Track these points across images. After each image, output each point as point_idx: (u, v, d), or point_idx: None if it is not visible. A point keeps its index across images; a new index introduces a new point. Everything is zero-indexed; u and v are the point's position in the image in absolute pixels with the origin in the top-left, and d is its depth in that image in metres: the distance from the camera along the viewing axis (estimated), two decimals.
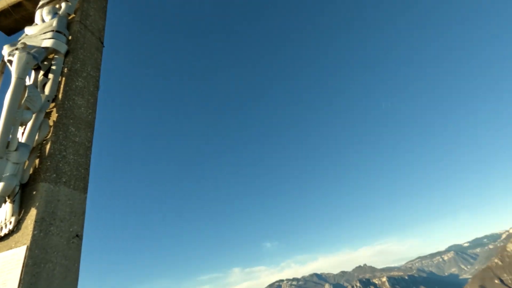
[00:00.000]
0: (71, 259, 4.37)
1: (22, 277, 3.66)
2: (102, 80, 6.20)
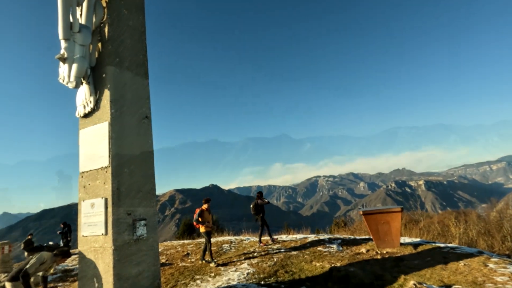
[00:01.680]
0: (144, 136, 4.98)
1: (110, 147, 4.33)
2: None
